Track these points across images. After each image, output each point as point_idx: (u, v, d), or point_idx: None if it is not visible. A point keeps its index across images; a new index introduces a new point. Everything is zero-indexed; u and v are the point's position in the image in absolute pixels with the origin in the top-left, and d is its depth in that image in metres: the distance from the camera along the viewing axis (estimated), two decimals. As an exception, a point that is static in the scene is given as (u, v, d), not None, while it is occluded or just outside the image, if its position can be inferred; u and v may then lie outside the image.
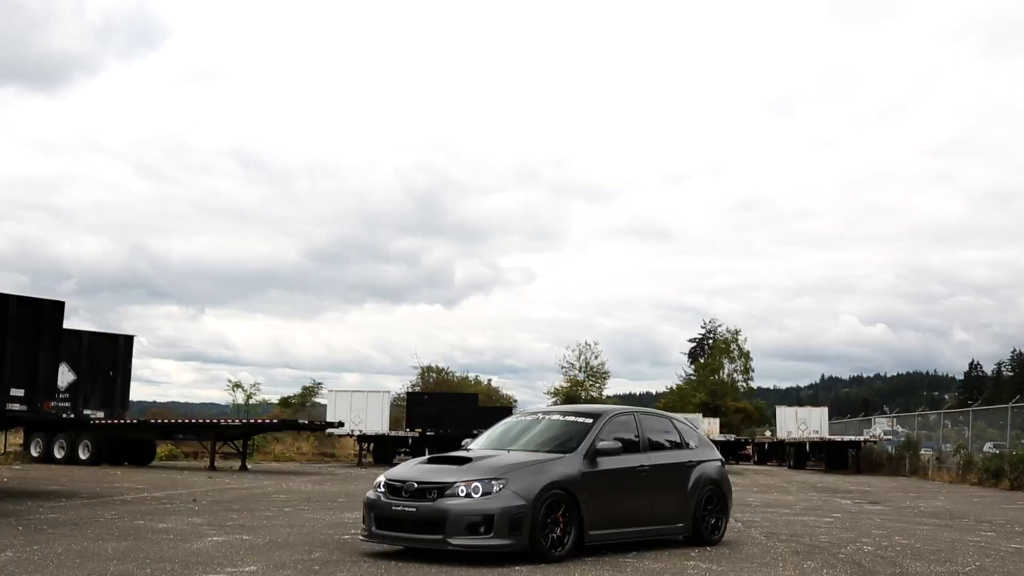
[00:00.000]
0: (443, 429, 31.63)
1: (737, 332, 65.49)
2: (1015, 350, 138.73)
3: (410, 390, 50.45)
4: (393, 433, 35.80)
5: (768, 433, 48.81)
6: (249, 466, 29.03)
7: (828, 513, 15.90)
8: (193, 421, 29.08)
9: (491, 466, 9.00)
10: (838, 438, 38.33)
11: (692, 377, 66.82)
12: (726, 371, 64.29)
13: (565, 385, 57.99)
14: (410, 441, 36.99)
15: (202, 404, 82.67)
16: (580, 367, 58.24)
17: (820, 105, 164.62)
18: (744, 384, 66.34)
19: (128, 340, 26.39)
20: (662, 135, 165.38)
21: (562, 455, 9.39)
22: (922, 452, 33.97)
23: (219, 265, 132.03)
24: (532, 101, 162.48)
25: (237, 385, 44.36)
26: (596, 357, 58.76)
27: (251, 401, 44.94)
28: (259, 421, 31.40)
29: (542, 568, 8.37)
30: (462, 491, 8.70)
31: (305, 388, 51.27)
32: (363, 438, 35.73)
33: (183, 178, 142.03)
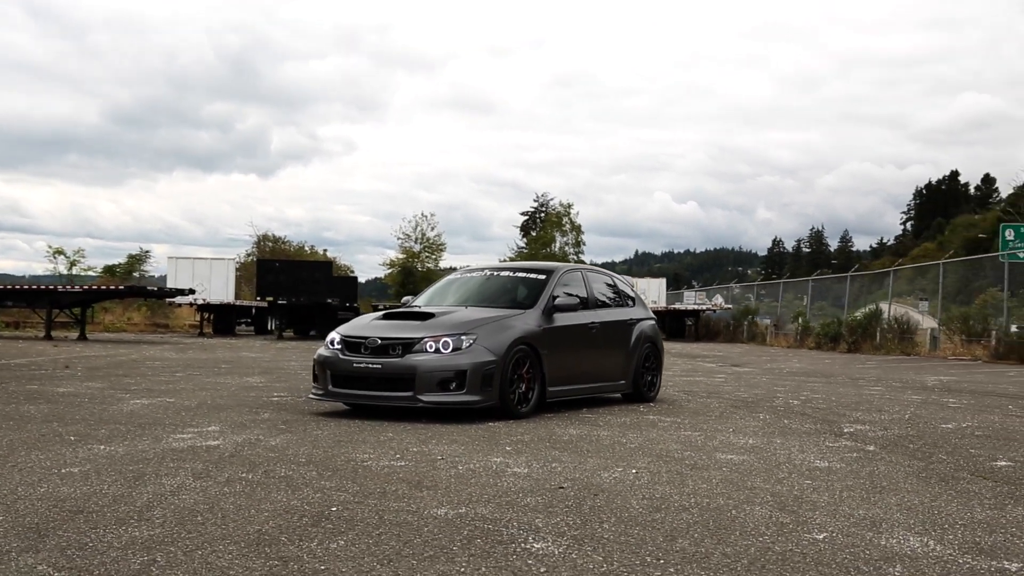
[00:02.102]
0: (295, 298, 30.71)
1: (570, 206, 66.34)
2: (813, 228, 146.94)
3: (242, 260, 48.79)
4: (240, 302, 34.60)
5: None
6: (88, 336, 27.51)
7: (711, 375, 16.44)
8: (27, 288, 27.10)
9: (457, 321, 8.67)
10: (681, 307, 39.83)
11: (524, 250, 67.51)
12: (558, 244, 65.23)
13: (401, 257, 57.47)
14: (254, 311, 35.91)
15: None
16: (416, 238, 57.76)
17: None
18: (575, 257, 67.67)
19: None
20: (487, 5, 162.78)
21: (522, 311, 9.15)
22: (758, 320, 35.80)
23: (6, 125, 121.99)
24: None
25: (59, 251, 41.52)
26: (432, 228, 58.40)
27: (73, 271, 42.24)
28: (101, 287, 29.55)
29: (516, 423, 8.19)
30: (431, 347, 8.35)
31: (132, 256, 48.73)
32: (205, 307, 34.36)
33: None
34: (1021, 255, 33.49)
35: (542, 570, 3.53)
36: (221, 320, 35.04)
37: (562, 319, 9.39)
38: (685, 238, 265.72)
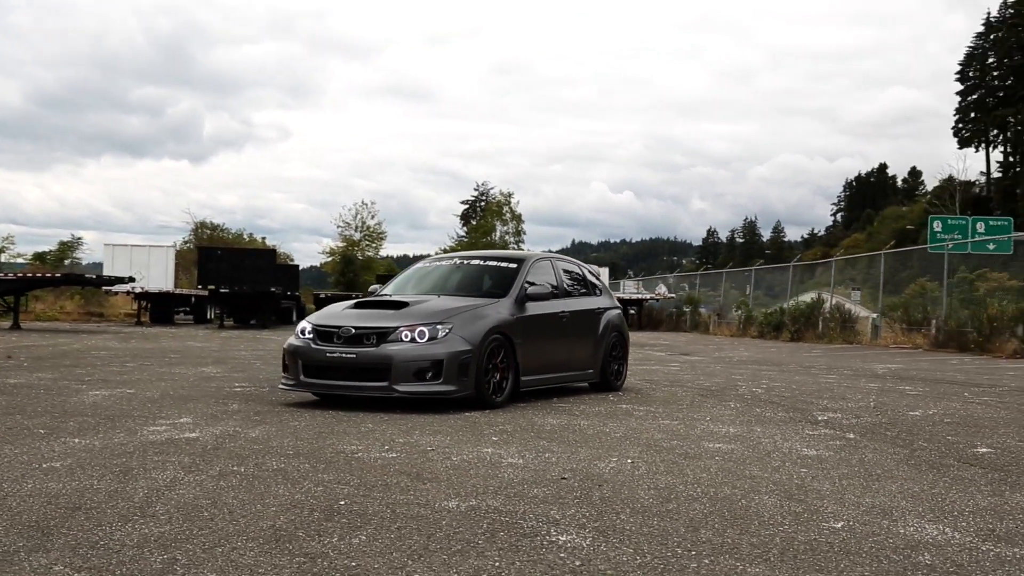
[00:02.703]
0: (238, 286, 30.18)
1: (510, 195, 66.35)
2: (747, 218, 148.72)
3: (178, 248, 47.82)
4: (179, 291, 33.93)
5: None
6: (21, 325, 26.75)
7: (665, 363, 16.55)
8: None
9: (432, 310, 8.57)
10: (626, 296, 40.02)
11: (464, 239, 67.39)
12: (498, 233, 65.21)
13: (341, 245, 56.94)
14: (193, 300, 35.26)
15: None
16: (356, 226, 57.27)
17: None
18: (516, 246, 67.71)
19: None
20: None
21: (495, 300, 9.07)
22: (701, 309, 36.18)
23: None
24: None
25: (-14, 238, 40.23)
26: (373, 217, 57.95)
27: (2, 258, 41.04)
28: (36, 275, 28.73)
29: (495, 413, 8.13)
30: (406, 336, 8.24)
31: (63, 243, 47.50)
32: (143, 296, 33.61)
33: None
34: (950, 246, 34.54)
35: (577, 563, 3.47)
36: (159, 309, 34.31)
37: (534, 308, 9.35)
38: (621, 227, 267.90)
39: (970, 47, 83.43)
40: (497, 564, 3.45)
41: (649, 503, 4.52)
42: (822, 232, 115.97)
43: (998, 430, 7.53)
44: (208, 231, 52.08)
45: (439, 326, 8.29)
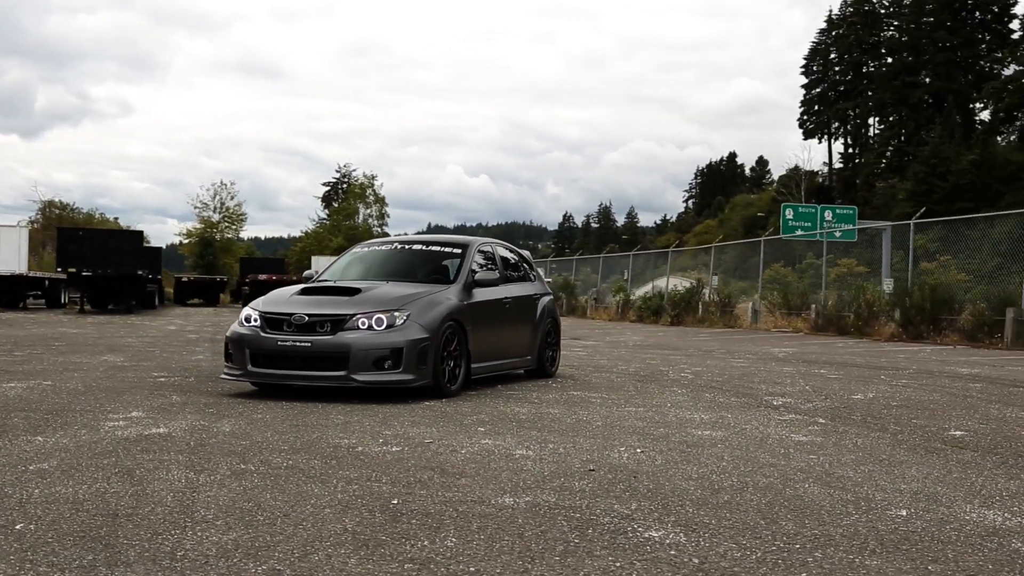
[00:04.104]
0: (102, 269, 28.67)
1: (373, 177, 65.52)
2: (601, 204, 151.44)
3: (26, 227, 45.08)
4: (32, 274, 32.02)
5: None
6: None
7: (568, 348, 16.63)
8: None
9: (386, 297, 8.30)
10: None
11: (326, 221, 66.22)
12: (361, 216, 64.37)
13: (199, 227, 55.03)
14: (47, 283, 33.40)
15: None
16: (215, 207, 55.43)
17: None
18: (379, 229, 66.95)
19: None
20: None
21: (444, 287, 8.87)
22: (577, 294, 36.62)
23: None
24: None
25: None
26: (232, 198, 56.21)
27: None
28: None
29: (457, 402, 7.96)
30: (363, 323, 7.96)
31: None
32: (-9, 279, 31.51)
33: None
34: (799, 232, 36.09)
35: (696, 561, 3.38)
36: (8, 292, 32.24)
37: (481, 294, 9.20)
38: (477, 211, 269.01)
39: (814, 43, 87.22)
40: (619, 564, 3.33)
41: (701, 495, 4.47)
42: (674, 218, 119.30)
43: (950, 413, 7.83)
44: (58, 211, 49.38)
45: (396, 313, 8.05)
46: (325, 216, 67.79)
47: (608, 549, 3.51)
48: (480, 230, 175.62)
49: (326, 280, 9.40)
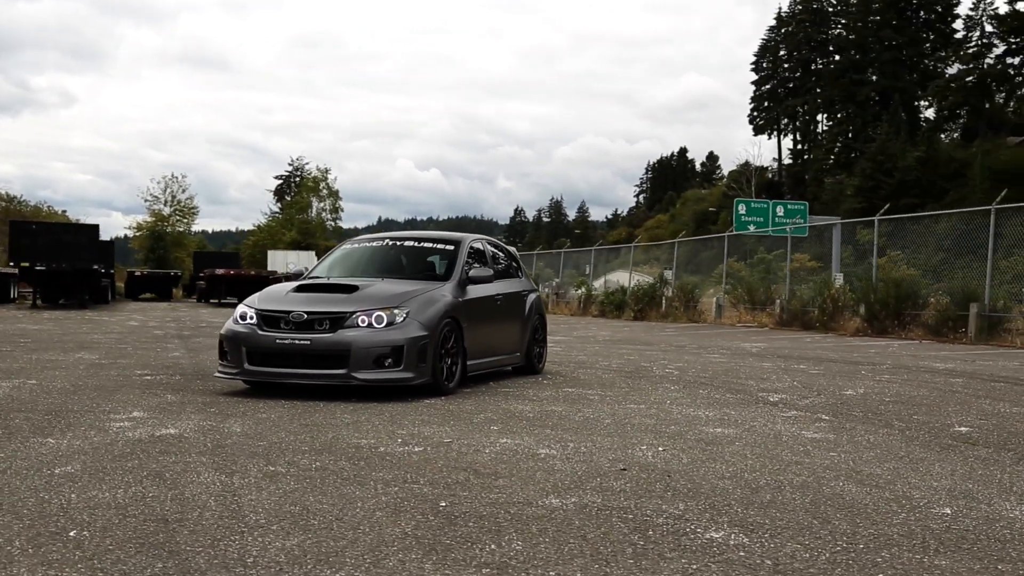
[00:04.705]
0: (57, 263, 28.07)
1: (327, 171, 64.98)
2: (552, 198, 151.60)
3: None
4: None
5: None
6: None
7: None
8: None
9: (384, 295, 8.23)
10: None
11: (279, 215, 65.54)
12: (314, 210, 63.83)
13: (149, 220, 54.16)
14: (-3, 277, 32.59)
15: None
16: (166, 200, 54.59)
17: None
18: (333, 223, 66.46)
19: None
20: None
21: (439, 283, 8.82)
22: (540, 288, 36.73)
23: None
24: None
25: None
26: (183, 191, 55.38)
27: None
28: None
29: (461, 400, 7.91)
30: (363, 321, 7.88)
31: None
32: (-59, 273, 30.77)
33: None
34: (751, 228, 36.45)
35: (768, 563, 3.39)
36: (-44, 287, 31.51)
37: (474, 291, 9.16)
38: (428, 205, 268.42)
39: (764, 39, 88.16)
40: (695, 566, 3.32)
41: (742, 494, 4.48)
42: (625, 213, 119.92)
43: (946, 409, 7.95)
44: (4, 203, 48.25)
45: (396, 311, 7.98)
46: (278, 210, 67.08)
47: (677, 551, 3.51)
48: (431, 224, 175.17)
49: (319, 277, 9.29)
